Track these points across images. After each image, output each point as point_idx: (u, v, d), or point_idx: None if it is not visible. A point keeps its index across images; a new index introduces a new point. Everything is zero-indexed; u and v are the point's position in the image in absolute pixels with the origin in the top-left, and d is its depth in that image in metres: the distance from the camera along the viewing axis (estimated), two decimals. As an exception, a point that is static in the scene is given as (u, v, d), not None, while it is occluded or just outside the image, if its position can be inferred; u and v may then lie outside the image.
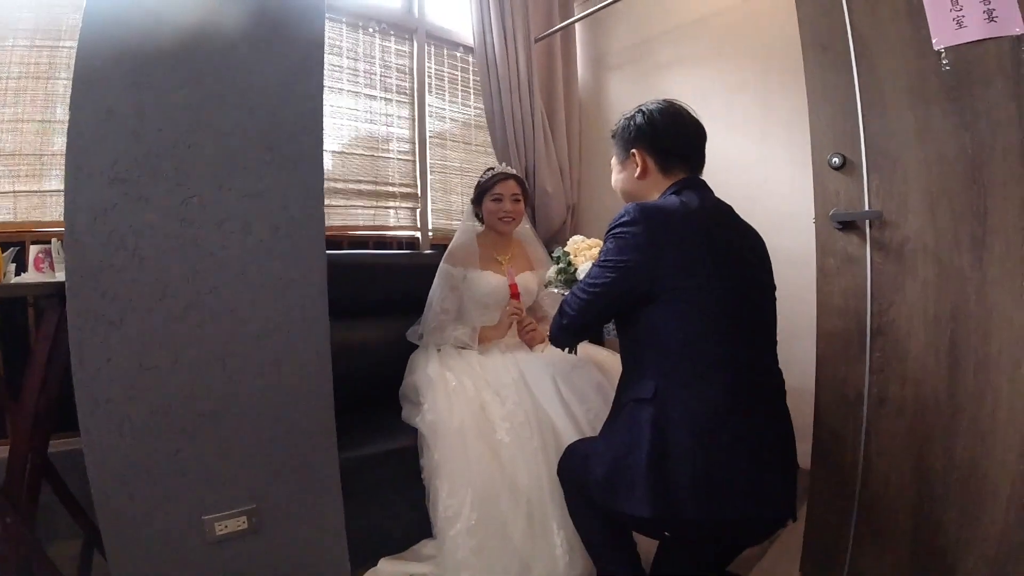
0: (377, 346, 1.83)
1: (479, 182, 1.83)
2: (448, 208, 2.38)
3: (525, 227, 1.93)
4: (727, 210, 1.12)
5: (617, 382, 1.47)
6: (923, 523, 1.14)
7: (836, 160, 1.21)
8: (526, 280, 1.78)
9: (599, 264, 1.07)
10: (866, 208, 1.18)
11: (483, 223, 1.84)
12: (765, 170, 1.91)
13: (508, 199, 1.76)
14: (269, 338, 1.09)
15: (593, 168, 2.56)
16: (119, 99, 0.95)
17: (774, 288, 1.11)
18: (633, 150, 1.15)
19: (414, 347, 1.77)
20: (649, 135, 1.13)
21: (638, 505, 0.93)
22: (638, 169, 1.15)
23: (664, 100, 1.16)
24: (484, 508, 1.26)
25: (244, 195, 1.06)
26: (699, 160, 1.16)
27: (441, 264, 1.77)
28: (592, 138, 2.57)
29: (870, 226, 1.18)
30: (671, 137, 1.13)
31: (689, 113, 1.15)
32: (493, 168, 1.83)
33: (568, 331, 1.17)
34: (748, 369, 0.99)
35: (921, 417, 1.13)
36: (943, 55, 1.09)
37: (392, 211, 2.21)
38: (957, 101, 1.08)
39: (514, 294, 1.65)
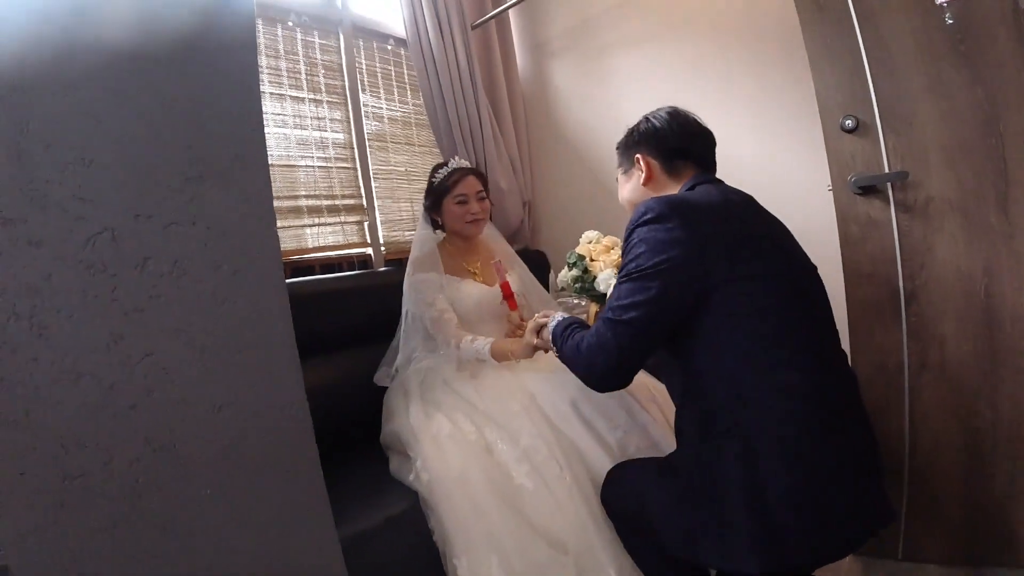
0: (343, 386, 1.55)
1: (431, 184, 1.55)
2: (399, 218, 2.14)
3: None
4: (750, 199, 1.02)
5: (631, 390, 1.36)
6: (974, 483, 1.12)
7: (849, 123, 1.16)
8: (512, 282, 1.53)
9: (629, 277, 0.88)
10: (886, 169, 1.14)
11: (442, 230, 1.59)
12: (739, 147, 1.87)
13: (473, 198, 1.51)
14: (226, 409, 0.81)
15: (544, 163, 2.43)
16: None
17: (816, 268, 1.02)
18: (636, 155, 1.08)
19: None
20: (652, 137, 1.07)
21: (740, 560, 0.79)
22: (643, 175, 1.06)
23: (670, 106, 1.10)
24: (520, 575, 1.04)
25: (169, 223, 0.78)
26: (709, 163, 1.08)
27: (410, 277, 1.49)
28: (539, 131, 2.44)
29: (892, 188, 1.14)
30: (676, 137, 1.06)
31: (696, 119, 1.09)
32: (445, 164, 1.56)
33: (619, 374, 0.93)
34: (827, 370, 0.88)
35: (963, 377, 1.11)
36: (945, 8, 1.07)
37: (338, 227, 1.94)
38: (966, 55, 1.06)
39: (506, 295, 1.41)
